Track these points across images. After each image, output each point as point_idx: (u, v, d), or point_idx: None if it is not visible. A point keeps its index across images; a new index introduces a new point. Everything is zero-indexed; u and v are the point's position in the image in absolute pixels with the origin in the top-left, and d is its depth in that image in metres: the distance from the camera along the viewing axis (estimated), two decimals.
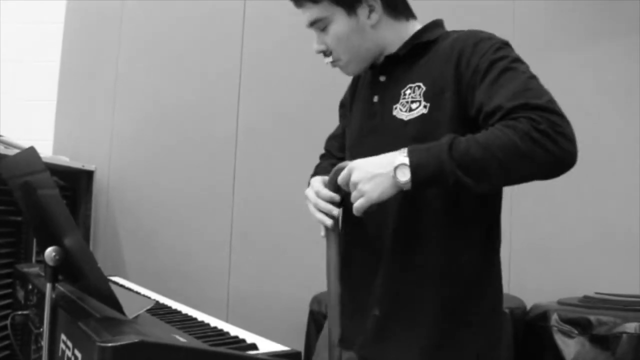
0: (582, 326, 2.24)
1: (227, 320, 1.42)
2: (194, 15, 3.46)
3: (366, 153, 1.37)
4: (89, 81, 3.55)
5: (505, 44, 1.39)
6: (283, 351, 1.06)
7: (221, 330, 1.24)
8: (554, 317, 2.29)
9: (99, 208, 3.43)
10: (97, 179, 3.42)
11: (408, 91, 1.41)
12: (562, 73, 3.14)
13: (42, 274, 1.57)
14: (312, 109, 3.22)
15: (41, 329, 1.23)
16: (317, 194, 1.42)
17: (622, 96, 3.09)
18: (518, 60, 1.35)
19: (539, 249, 3.08)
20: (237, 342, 1.13)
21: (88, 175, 3.38)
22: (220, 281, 3.17)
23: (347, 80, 1.73)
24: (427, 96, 1.38)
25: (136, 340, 0.85)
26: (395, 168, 1.24)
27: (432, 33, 1.47)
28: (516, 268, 3.08)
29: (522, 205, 3.11)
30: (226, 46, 3.42)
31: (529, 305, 2.51)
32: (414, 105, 1.39)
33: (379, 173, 1.26)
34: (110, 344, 0.84)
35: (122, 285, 1.91)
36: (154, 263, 3.34)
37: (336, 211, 1.40)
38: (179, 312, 1.49)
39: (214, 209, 3.32)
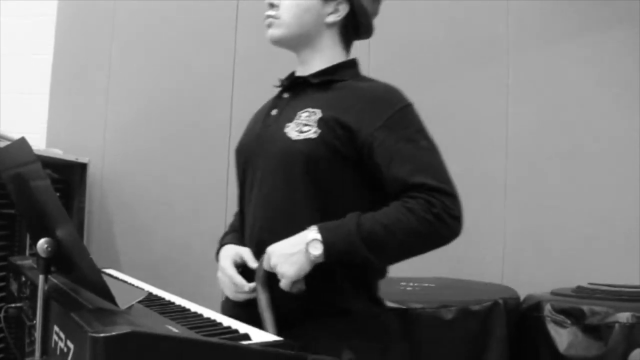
0: (575, 316, 2.24)
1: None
2: (187, 8, 3.45)
3: (250, 156, 1.59)
4: (81, 73, 3.54)
5: (411, 106, 1.55)
6: (276, 341, 1.06)
7: (214, 320, 1.23)
8: (547, 308, 2.30)
9: (93, 201, 3.43)
10: (91, 172, 3.42)
11: (304, 114, 1.50)
12: (558, 66, 3.14)
13: (35, 266, 1.57)
14: None
15: (34, 321, 1.23)
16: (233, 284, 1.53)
17: (619, 88, 3.09)
18: (422, 130, 1.54)
19: (533, 240, 3.09)
20: (230, 332, 1.12)
21: (82, 167, 3.38)
22: (214, 273, 3.17)
23: None
24: (320, 124, 1.46)
25: (128, 331, 0.85)
26: (308, 244, 1.37)
27: (345, 73, 1.60)
28: (510, 259, 3.10)
29: (516, 197, 3.12)
30: (219, 38, 3.41)
31: (522, 296, 2.52)
32: (305, 128, 1.47)
33: (292, 252, 1.38)
34: (102, 335, 0.84)
35: (115, 277, 1.90)
36: (148, 255, 3.34)
37: (252, 290, 1.49)
38: (173, 303, 1.49)
39: (208, 200, 3.33)
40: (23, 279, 1.60)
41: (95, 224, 3.43)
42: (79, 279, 1.21)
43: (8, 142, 2.31)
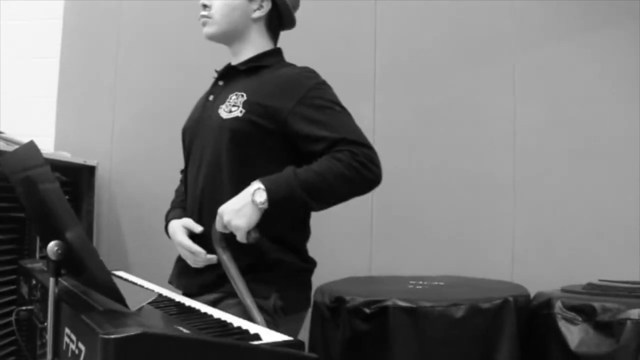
0: (586, 313, 2.23)
1: None
2: (193, 9, 3.45)
3: (192, 136, 1.89)
4: (89, 76, 3.55)
5: (322, 83, 1.78)
6: (286, 341, 1.06)
7: (224, 321, 1.24)
8: (558, 305, 2.29)
9: (102, 203, 3.44)
10: (99, 174, 3.43)
11: (233, 97, 1.76)
12: (565, 63, 3.13)
13: (46, 269, 1.58)
14: None
15: (45, 324, 1.23)
16: (192, 253, 1.74)
17: (623, 84, 3.08)
18: (334, 100, 1.75)
19: (542, 238, 3.08)
20: (240, 332, 1.13)
21: (90, 170, 3.39)
22: None
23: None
24: (244, 105, 1.72)
25: (139, 332, 0.85)
26: (252, 194, 1.56)
27: (270, 60, 1.86)
28: (519, 257, 3.09)
29: (525, 195, 3.11)
30: None
31: (532, 294, 2.51)
32: (233, 109, 1.73)
33: (240, 206, 1.57)
34: (112, 336, 0.84)
35: (125, 279, 1.91)
36: (157, 257, 3.34)
37: (215, 258, 1.70)
38: (182, 305, 1.50)
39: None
40: (34, 282, 1.61)
41: (104, 226, 3.44)
42: (89, 281, 1.22)
43: (17, 146, 2.32)
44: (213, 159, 1.76)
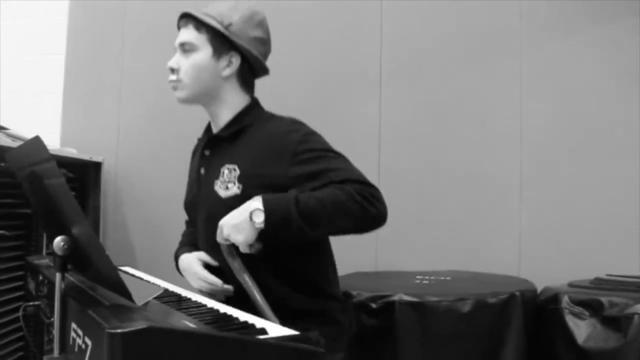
0: (593, 308, 2.23)
1: None
2: (197, 7, 3.46)
3: (197, 215, 1.84)
4: (94, 73, 3.56)
5: (310, 134, 1.72)
6: (293, 335, 1.06)
7: (230, 315, 1.24)
8: (565, 299, 2.29)
9: (108, 199, 3.44)
10: (105, 170, 3.44)
11: (226, 171, 1.72)
12: (572, 58, 3.12)
13: (52, 264, 1.58)
14: (318, 99, 3.22)
15: (52, 319, 1.23)
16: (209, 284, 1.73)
17: (630, 81, 3.06)
18: (327, 148, 1.70)
19: (549, 233, 3.07)
20: (247, 326, 1.13)
21: (96, 166, 3.39)
22: None
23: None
24: (240, 179, 1.69)
25: (145, 326, 0.85)
26: (251, 213, 1.52)
27: (249, 117, 1.80)
28: (526, 251, 3.08)
29: (531, 190, 3.10)
30: None
31: (539, 289, 2.50)
32: (229, 185, 1.70)
33: (239, 222, 1.54)
34: (119, 330, 0.84)
35: (131, 274, 1.92)
36: (163, 252, 3.33)
37: (232, 289, 1.70)
38: (189, 299, 1.50)
39: None
40: (40, 277, 1.62)
41: (110, 222, 3.45)
42: (95, 276, 1.22)
43: (22, 143, 2.32)
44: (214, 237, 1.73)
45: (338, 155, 1.69)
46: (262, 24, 1.83)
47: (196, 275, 1.77)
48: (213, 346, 0.92)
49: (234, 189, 1.69)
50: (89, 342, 0.96)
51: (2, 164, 2.43)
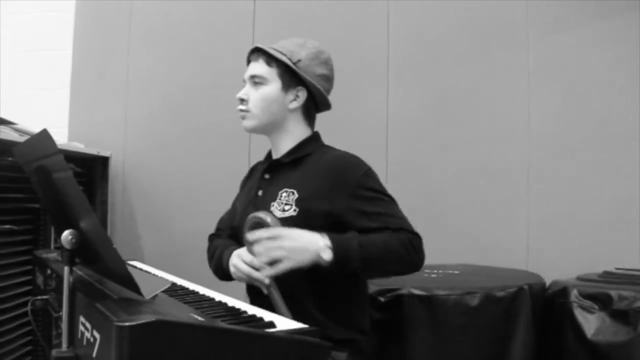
0: (602, 301, 2.22)
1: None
2: (205, 3, 3.46)
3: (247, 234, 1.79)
4: (101, 68, 3.56)
5: (369, 170, 1.80)
6: (301, 328, 1.06)
7: (238, 309, 1.24)
8: (574, 293, 2.28)
9: (115, 194, 3.45)
10: (113, 165, 3.44)
11: (284, 194, 1.79)
12: (579, 49, 3.11)
13: (60, 258, 1.59)
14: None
15: (60, 313, 1.24)
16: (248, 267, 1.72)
17: (637, 70, 3.05)
18: (382, 189, 1.78)
19: (558, 226, 3.07)
20: (255, 320, 1.13)
21: (103, 161, 3.40)
22: None
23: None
24: (298, 203, 1.76)
25: (153, 319, 0.85)
26: (321, 249, 1.59)
27: (309, 147, 1.90)
28: (534, 245, 3.08)
29: (539, 182, 3.09)
30: (238, 30, 3.41)
31: (548, 282, 2.50)
32: (286, 207, 1.77)
33: (307, 248, 1.60)
34: (127, 324, 0.84)
35: (139, 269, 1.92)
36: (171, 246, 3.36)
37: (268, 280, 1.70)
38: (196, 293, 1.50)
39: (229, 190, 3.33)
40: (48, 271, 1.62)
41: (118, 216, 3.45)
42: (103, 269, 1.22)
43: (30, 137, 2.33)
44: None
45: (392, 201, 1.78)
46: (327, 62, 1.93)
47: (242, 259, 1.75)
48: (221, 339, 0.92)
49: (291, 211, 1.76)
50: (97, 336, 0.96)
51: (10, 159, 2.44)
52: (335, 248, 1.61)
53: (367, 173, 1.79)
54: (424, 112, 3.25)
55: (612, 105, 3.05)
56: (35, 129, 2.53)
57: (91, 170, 3.37)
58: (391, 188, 1.71)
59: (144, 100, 3.50)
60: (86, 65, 3.58)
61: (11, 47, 3.65)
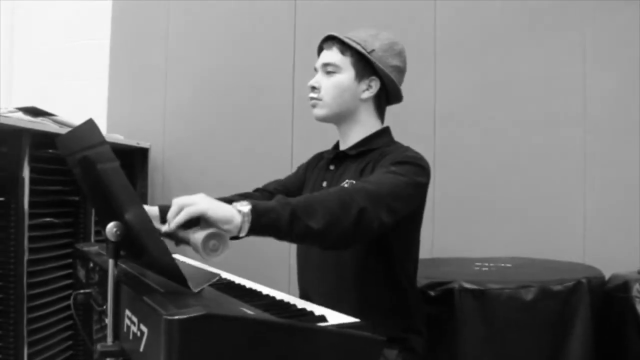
0: None
1: None
2: None
3: None
4: (140, 57, 3.60)
5: (420, 160, 1.76)
6: (353, 322, 1.06)
7: (287, 302, 1.24)
8: (636, 287, 2.23)
9: (155, 185, 3.49)
10: (152, 156, 3.48)
11: (346, 186, 1.76)
12: (634, 26, 3.04)
13: (102, 252, 1.61)
14: None
15: (104, 307, 1.25)
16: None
17: None
18: (409, 174, 1.68)
19: (616, 215, 3.01)
20: (305, 314, 1.13)
21: (143, 152, 3.44)
22: (280, 255, 3.20)
23: None
24: None
25: (203, 313, 0.86)
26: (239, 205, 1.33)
27: (379, 142, 1.90)
28: (592, 237, 3.03)
29: (596, 170, 3.04)
30: (278, 14, 3.41)
31: (607, 275, 2.45)
32: None
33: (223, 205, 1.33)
34: (176, 317, 0.85)
35: (182, 262, 1.93)
36: None
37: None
38: (243, 286, 1.51)
39: (272, 180, 3.35)
40: (91, 265, 1.64)
41: None
42: (148, 262, 1.23)
43: (69, 129, 2.37)
44: (335, 256, 1.82)
45: (408, 184, 1.66)
46: (401, 54, 1.95)
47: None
48: (272, 333, 0.92)
49: None
50: (144, 330, 0.97)
51: (50, 151, 2.47)
52: (255, 204, 1.35)
53: (416, 160, 1.75)
54: (473, 98, 3.22)
55: None
56: (74, 120, 2.57)
57: (130, 162, 3.41)
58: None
59: (183, 89, 3.53)
60: (124, 54, 3.62)
61: (49, 38, 3.71)
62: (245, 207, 1.31)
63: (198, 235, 1.23)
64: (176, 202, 1.31)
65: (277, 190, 2.06)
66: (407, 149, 1.86)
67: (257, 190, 2.15)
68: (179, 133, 3.51)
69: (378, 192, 1.54)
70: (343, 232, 1.44)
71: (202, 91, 3.50)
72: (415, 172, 1.71)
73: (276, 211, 1.35)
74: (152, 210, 1.76)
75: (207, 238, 1.22)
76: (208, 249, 1.23)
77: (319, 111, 1.91)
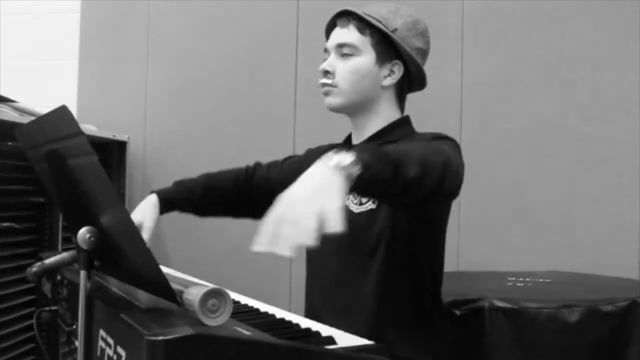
0: None
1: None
2: None
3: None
4: (116, 35, 3.60)
5: (450, 139, 1.75)
6: (365, 345, 1.06)
7: (290, 321, 1.24)
8: None
9: (134, 184, 3.50)
10: (131, 151, 3.48)
11: None
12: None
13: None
14: None
15: (74, 326, 1.25)
16: None
17: None
18: (447, 146, 1.64)
19: None
20: (311, 334, 1.13)
21: (120, 146, 3.45)
22: (280, 269, 3.20)
23: None
24: None
25: (191, 333, 0.86)
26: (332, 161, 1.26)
27: (398, 132, 1.86)
28: None
29: None
30: None
31: None
32: (364, 200, 1.79)
33: (317, 183, 1.23)
34: (160, 337, 0.85)
35: (167, 273, 1.94)
36: (200, 248, 3.39)
37: None
38: (238, 302, 1.51)
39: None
40: (58, 277, 1.64)
41: None
42: (129, 274, 1.23)
43: (32, 118, 2.37)
44: (349, 269, 1.83)
45: (460, 162, 1.65)
46: (425, 34, 1.91)
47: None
48: (272, 356, 0.92)
49: (369, 204, 1.78)
50: (122, 353, 0.98)
51: (10, 143, 2.48)
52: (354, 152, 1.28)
53: (447, 138, 1.75)
54: (506, 83, 3.22)
55: None
56: (38, 107, 2.57)
57: (105, 157, 3.42)
58: (465, 176, 1.68)
59: (167, 74, 3.54)
60: (98, 32, 3.62)
61: (8, 10, 3.69)
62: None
63: (195, 292, 1.19)
64: (272, 221, 1.16)
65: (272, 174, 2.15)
66: (437, 134, 1.80)
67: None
68: (162, 124, 3.52)
69: (449, 157, 1.54)
70: (433, 183, 1.46)
71: (189, 75, 3.51)
72: (459, 152, 1.71)
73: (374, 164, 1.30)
74: (149, 199, 1.96)
75: (206, 296, 1.19)
76: (206, 309, 1.21)
77: (334, 100, 1.86)
